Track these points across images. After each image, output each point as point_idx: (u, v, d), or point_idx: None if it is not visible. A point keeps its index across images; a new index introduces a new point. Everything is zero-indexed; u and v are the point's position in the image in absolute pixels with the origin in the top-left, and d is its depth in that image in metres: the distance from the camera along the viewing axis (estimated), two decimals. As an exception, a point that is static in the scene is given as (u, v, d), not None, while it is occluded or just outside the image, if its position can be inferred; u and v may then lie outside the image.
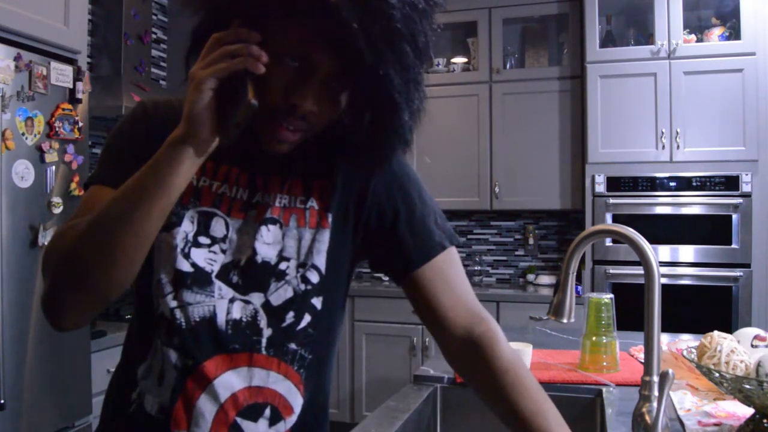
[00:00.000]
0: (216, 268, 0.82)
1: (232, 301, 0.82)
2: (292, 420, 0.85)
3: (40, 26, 2.12)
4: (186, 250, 0.81)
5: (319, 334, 0.87)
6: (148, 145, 0.78)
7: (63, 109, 2.14)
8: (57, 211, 2.13)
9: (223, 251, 0.83)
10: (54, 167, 2.13)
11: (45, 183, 2.10)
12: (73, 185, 2.20)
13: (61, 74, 2.15)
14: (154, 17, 3.74)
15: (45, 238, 2.08)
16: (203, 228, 0.83)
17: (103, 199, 0.77)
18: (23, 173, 2.02)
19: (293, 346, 0.84)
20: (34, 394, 2.05)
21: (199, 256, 0.82)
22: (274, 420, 0.83)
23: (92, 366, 2.31)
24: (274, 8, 0.73)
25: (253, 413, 0.82)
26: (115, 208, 0.72)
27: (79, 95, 2.20)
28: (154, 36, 3.73)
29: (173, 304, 0.80)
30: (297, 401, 0.85)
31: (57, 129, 2.12)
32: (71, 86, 2.18)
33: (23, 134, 2.01)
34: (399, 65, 0.73)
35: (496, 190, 3.78)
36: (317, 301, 0.86)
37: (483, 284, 3.97)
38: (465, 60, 3.95)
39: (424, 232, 0.91)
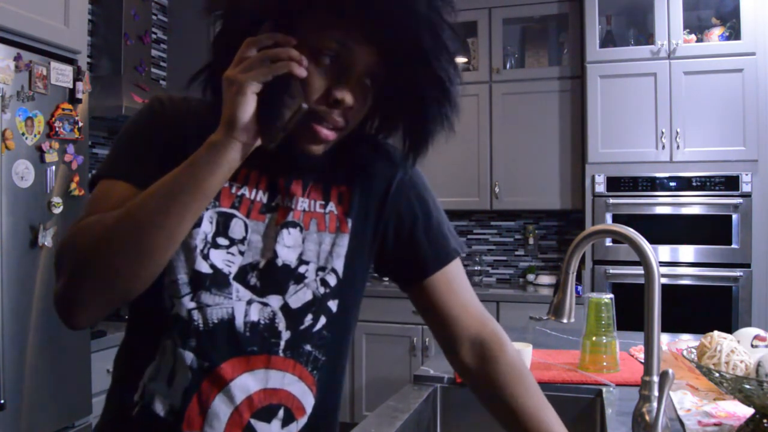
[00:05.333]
0: (234, 269, 0.82)
1: (249, 303, 0.82)
2: (303, 421, 0.85)
3: (40, 26, 2.12)
4: (205, 251, 0.80)
5: (333, 336, 0.87)
6: (165, 141, 0.79)
7: (63, 109, 2.14)
8: (57, 211, 2.13)
9: (241, 253, 0.82)
10: (54, 167, 2.13)
11: (45, 183, 2.10)
12: (73, 185, 2.20)
13: (61, 74, 2.15)
14: (154, 17, 3.74)
15: (45, 239, 2.08)
16: (222, 229, 0.82)
17: (118, 194, 0.77)
18: (23, 173, 2.02)
19: (308, 347, 0.85)
20: (34, 394, 2.05)
21: (218, 257, 0.81)
22: (286, 421, 0.83)
23: (92, 366, 2.31)
24: (314, 5, 0.75)
25: (266, 414, 0.82)
26: (147, 206, 0.71)
27: (79, 95, 2.20)
28: (154, 36, 3.74)
29: (191, 305, 0.79)
30: (309, 402, 0.85)
31: (57, 129, 2.12)
32: (71, 86, 2.18)
33: (23, 134, 2.01)
34: (441, 42, 0.76)
35: (496, 190, 3.78)
36: (333, 304, 0.86)
37: (483, 284, 3.97)
38: (465, 60, 3.95)
39: (441, 239, 0.94)
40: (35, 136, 2.05)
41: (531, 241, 4.03)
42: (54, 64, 2.12)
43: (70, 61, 2.23)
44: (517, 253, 4.10)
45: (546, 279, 3.83)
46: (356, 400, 3.69)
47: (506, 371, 0.92)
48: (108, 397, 0.88)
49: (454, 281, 0.95)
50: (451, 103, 0.80)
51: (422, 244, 0.93)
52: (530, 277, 3.93)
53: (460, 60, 3.89)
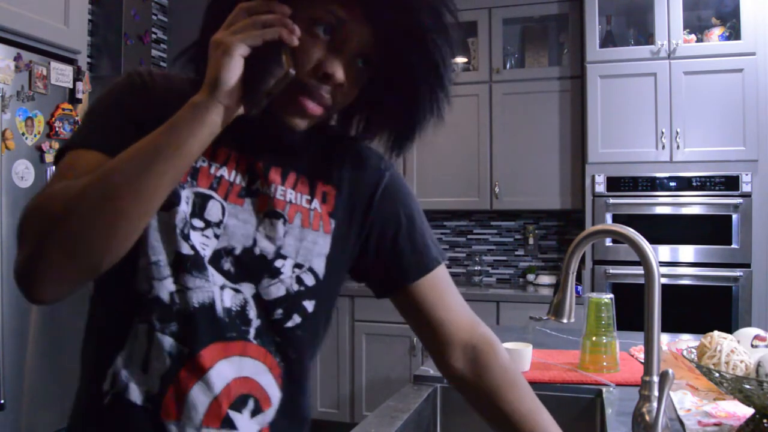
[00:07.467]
0: (208, 253, 0.78)
1: (222, 288, 0.79)
2: (270, 413, 0.82)
3: (40, 26, 2.12)
4: (185, 231, 0.77)
5: (306, 336, 0.85)
6: (142, 114, 0.76)
7: (63, 109, 2.14)
8: (57, 211, 2.13)
9: (216, 236, 0.79)
10: (54, 167, 2.12)
11: (45, 183, 2.10)
12: (73, 185, 2.20)
13: (61, 74, 2.15)
14: (154, 17, 3.75)
15: (45, 238, 2.08)
16: (198, 210, 0.78)
17: (91, 163, 0.73)
18: (23, 173, 2.02)
19: (279, 341, 0.82)
20: (34, 394, 2.05)
21: (195, 239, 0.77)
22: (255, 412, 0.81)
23: (92, 366, 2.31)
24: None
25: (239, 404, 0.79)
26: (122, 170, 0.67)
27: (79, 95, 2.20)
28: (154, 36, 3.74)
29: (172, 287, 0.76)
30: (275, 395, 0.83)
31: (57, 129, 2.12)
32: (71, 86, 2.19)
33: (23, 134, 2.01)
34: (439, 28, 0.75)
35: (496, 190, 3.78)
36: (309, 305, 0.84)
37: (483, 284, 3.97)
38: (465, 60, 3.95)
39: (423, 247, 0.94)
40: (35, 136, 2.05)
41: (531, 241, 4.03)
42: (54, 64, 2.12)
43: (70, 61, 2.23)
44: (517, 253, 4.10)
45: (546, 279, 3.83)
46: (356, 400, 3.69)
47: (499, 376, 0.92)
48: (77, 393, 0.83)
49: (440, 287, 0.94)
50: (444, 89, 0.79)
51: (405, 251, 0.92)
52: (530, 277, 3.93)
53: (459, 58, 3.90)
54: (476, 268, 4.01)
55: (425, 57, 0.76)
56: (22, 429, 2.00)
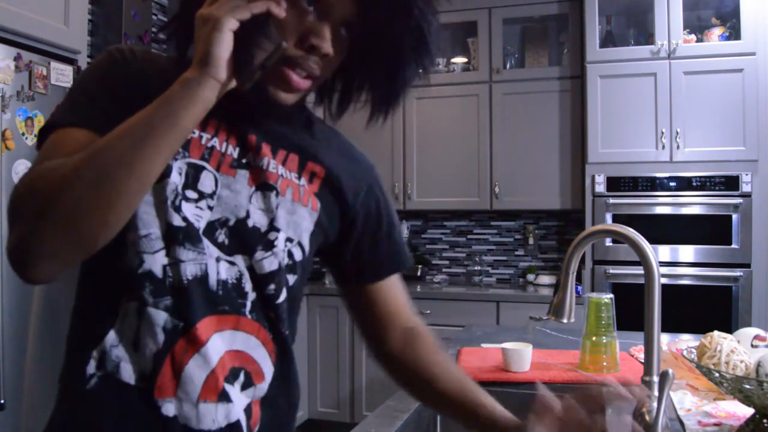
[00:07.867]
0: (202, 224, 0.77)
1: (217, 260, 0.78)
2: (262, 387, 0.82)
3: (40, 26, 2.12)
4: (177, 203, 0.76)
5: (290, 311, 0.86)
6: (127, 90, 0.76)
7: (63, 109, 2.15)
8: (57, 211, 2.13)
9: (210, 208, 0.78)
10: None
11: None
12: (73, 185, 2.20)
13: (61, 74, 2.15)
14: (154, 17, 3.74)
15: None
16: (191, 181, 0.77)
17: (80, 141, 0.72)
18: (23, 173, 2.02)
19: (273, 316, 0.83)
20: (34, 394, 2.05)
21: (188, 210, 0.76)
22: (246, 385, 0.81)
23: (92, 366, 2.31)
24: None
25: (231, 377, 0.79)
26: (117, 146, 0.67)
27: (79, 95, 2.21)
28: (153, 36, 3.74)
29: (165, 260, 0.75)
30: (269, 369, 0.83)
31: (57, 129, 2.12)
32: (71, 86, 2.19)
33: (23, 134, 2.01)
34: None
35: (496, 190, 3.78)
36: (291, 279, 0.85)
37: (483, 284, 3.97)
38: (465, 60, 3.95)
39: (399, 245, 1.00)
40: (35, 136, 2.05)
41: (531, 241, 4.03)
42: (54, 64, 2.12)
43: (70, 61, 2.23)
44: (517, 253, 4.10)
45: (546, 279, 3.83)
46: (356, 400, 3.69)
47: (429, 348, 0.98)
48: (61, 377, 0.82)
49: (397, 284, 1.00)
50: (429, 51, 0.80)
51: (382, 251, 0.97)
52: (530, 277, 3.93)
53: (459, 58, 3.90)
54: (476, 268, 4.01)
55: (409, 22, 0.76)
56: (22, 429, 2.00)
